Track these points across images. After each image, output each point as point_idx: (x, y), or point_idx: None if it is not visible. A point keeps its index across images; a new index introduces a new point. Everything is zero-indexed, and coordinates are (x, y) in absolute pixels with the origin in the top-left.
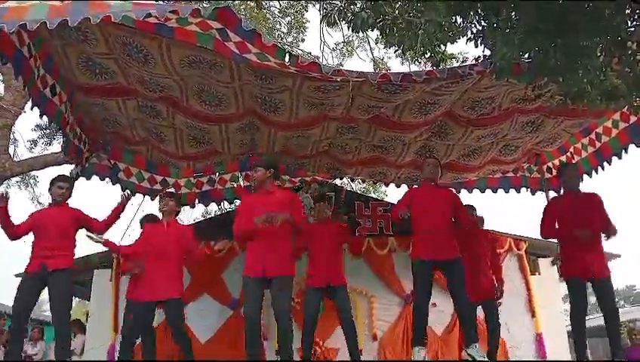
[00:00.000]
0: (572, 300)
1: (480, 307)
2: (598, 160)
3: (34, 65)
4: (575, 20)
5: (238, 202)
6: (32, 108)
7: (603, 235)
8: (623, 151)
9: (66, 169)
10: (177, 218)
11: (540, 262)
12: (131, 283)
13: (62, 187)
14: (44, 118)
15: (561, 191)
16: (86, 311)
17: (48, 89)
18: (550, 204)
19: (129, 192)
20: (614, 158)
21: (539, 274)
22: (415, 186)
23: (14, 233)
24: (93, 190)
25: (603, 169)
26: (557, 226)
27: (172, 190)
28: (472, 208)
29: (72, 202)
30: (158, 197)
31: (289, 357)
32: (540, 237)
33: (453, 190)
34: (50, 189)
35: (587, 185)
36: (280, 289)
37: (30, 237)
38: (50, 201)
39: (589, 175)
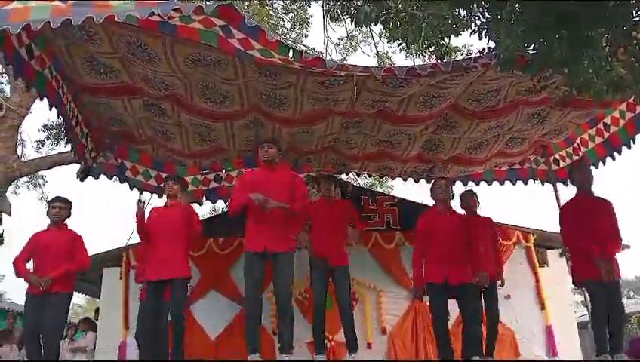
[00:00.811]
0: (593, 302)
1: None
2: (607, 150)
3: (41, 66)
4: (576, 11)
5: None
6: (50, 109)
7: None
8: (631, 141)
9: (74, 168)
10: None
11: (548, 253)
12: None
13: (55, 207)
14: (53, 118)
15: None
16: (96, 308)
17: (61, 89)
18: (564, 211)
19: (144, 200)
20: (624, 148)
21: (547, 266)
22: (427, 210)
23: (24, 269)
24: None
25: (614, 159)
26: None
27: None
28: (472, 193)
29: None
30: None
31: (288, 333)
32: (547, 229)
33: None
34: (48, 211)
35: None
36: (281, 266)
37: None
38: (50, 222)
39: (596, 166)
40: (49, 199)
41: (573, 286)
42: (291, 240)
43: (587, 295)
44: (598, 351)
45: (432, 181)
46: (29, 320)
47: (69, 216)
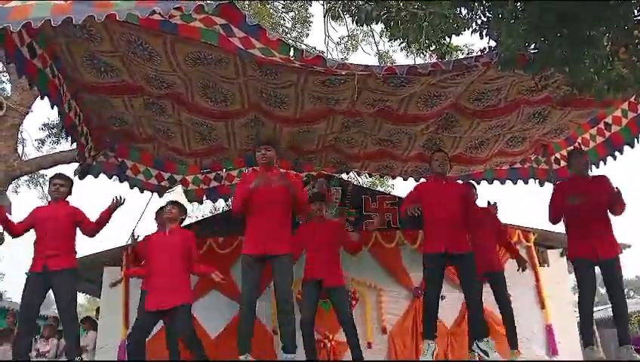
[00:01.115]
0: (578, 282)
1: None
2: (609, 149)
3: (43, 65)
4: (577, 10)
5: None
6: (52, 108)
7: (610, 212)
8: (635, 140)
9: (74, 167)
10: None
11: (549, 253)
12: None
13: (55, 184)
14: (55, 116)
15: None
16: (97, 307)
17: (61, 88)
18: (556, 188)
19: (121, 196)
20: (626, 148)
21: (548, 265)
22: (423, 180)
23: (15, 231)
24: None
25: (615, 158)
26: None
27: (178, 189)
28: (471, 186)
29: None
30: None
31: (291, 334)
32: (549, 229)
33: (465, 183)
34: (48, 188)
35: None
36: (282, 268)
37: (33, 237)
38: (50, 199)
39: (597, 165)
40: (51, 177)
41: (569, 261)
42: (290, 242)
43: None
44: (583, 342)
45: (431, 153)
46: (26, 300)
47: (69, 194)
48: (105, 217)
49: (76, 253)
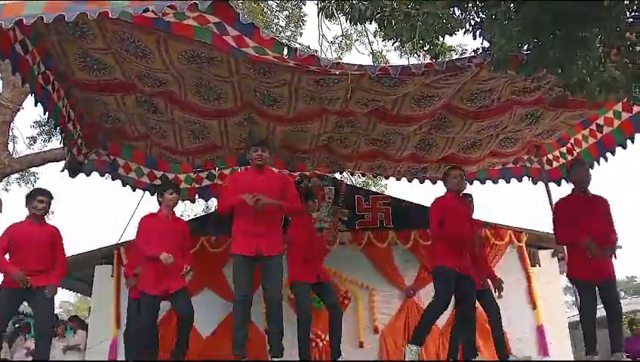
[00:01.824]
0: (582, 302)
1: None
2: (600, 151)
3: (32, 62)
4: (571, 11)
5: None
6: (35, 105)
7: None
8: (629, 141)
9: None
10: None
11: (540, 253)
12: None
13: (43, 201)
14: (46, 114)
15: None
16: (88, 306)
17: (50, 85)
18: (558, 208)
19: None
20: (619, 149)
21: (539, 266)
22: (441, 197)
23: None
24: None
25: (606, 160)
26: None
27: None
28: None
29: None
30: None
31: (278, 338)
32: (539, 229)
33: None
34: (29, 203)
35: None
36: (272, 270)
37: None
38: (29, 215)
39: (591, 166)
40: (32, 191)
41: (568, 279)
42: (281, 243)
43: (577, 294)
44: (587, 351)
45: (445, 170)
46: (2, 312)
47: (48, 211)
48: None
49: (57, 271)
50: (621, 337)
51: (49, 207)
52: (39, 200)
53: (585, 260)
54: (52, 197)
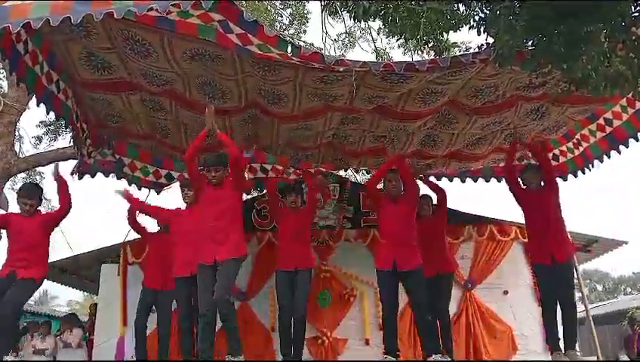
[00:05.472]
0: (539, 286)
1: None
2: (611, 144)
3: (32, 62)
4: (576, 6)
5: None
6: (37, 105)
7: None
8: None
9: (71, 164)
10: None
11: None
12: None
13: (26, 203)
14: (51, 114)
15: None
16: (89, 305)
17: (54, 85)
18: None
19: (57, 166)
20: (631, 141)
21: None
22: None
23: None
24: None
25: (619, 153)
26: (523, 215)
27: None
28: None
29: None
30: (179, 188)
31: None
32: None
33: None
34: (17, 201)
35: (593, 172)
36: (223, 272)
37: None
38: (21, 211)
39: (600, 160)
40: (18, 190)
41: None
42: (241, 248)
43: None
44: (550, 348)
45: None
46: None
47: (39, 205)
48: (62, 191)
49: (47, 264)
50: (574, 331)
51: (37, 206)
52: (23, 202)
53: (537, 244)
54: (39, 194)
